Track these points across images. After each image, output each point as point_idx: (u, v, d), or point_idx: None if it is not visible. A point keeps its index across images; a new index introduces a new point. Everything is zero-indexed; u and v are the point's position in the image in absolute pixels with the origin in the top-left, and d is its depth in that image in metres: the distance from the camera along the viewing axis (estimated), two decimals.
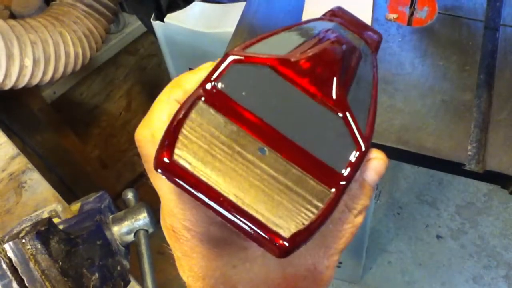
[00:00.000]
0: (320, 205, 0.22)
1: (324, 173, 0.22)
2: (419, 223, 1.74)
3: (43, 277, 0.44)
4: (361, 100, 0.25)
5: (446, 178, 1.81)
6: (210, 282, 0.28)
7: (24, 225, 0.49)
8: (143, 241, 0.55)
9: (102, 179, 1.49)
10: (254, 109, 0.22)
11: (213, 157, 0.22)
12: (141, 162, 0.28)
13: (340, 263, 1.52)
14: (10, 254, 0.43)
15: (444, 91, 0.65)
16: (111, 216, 0.56)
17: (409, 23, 0.73)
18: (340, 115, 0.22)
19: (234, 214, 0.21)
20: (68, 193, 1.35)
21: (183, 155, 0.22)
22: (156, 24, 0.93)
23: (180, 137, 0.22)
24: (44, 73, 0.92)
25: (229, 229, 0.26)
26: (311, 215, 0.21)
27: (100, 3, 1.04)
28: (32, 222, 0.48)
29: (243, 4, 0.76)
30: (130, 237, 0.55)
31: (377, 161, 0.27)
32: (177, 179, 0.21)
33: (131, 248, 0.57)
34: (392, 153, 0.62)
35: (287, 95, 0.23)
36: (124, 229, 0.55)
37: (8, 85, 0.89)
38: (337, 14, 0.31)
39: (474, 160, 0.61)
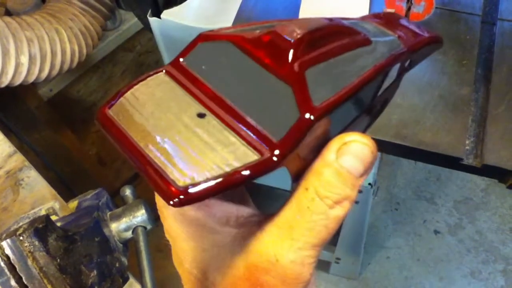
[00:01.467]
0: (236, 164, 0.20)
1: (258, 140, 0.21)
2: (417, 219, 1.74)
3: (41, 274, 0.43)
4: (337, 79, 0.24)
5: (444, 174, 1.81)
6: (185, 265, 0.28)
7: (21, 223, 0.49)
8: (141, 238, 0.54)
9: (101, 177, 1.48)
10: (206, 79, 0.23)
11: (147, 114, 0.23)
12: None
13: (339, 259, 1.52)
14: (8, 251, 0.43)
15: (442, 86, 0.65)
16: (109, 213, 0.56)
17: (406, 17, 0.73)
18: (289, 83, 0.22)
19: (139, 159, 0.21)
20: (66, 191, 1.35)
21: (118, 110, 0.23)
22: (152, 20, 0.93)
23: (122, 98, 0.23)
24: (41, 70, 0.91)
25: (203, 210, 0.27)
26: (220, 171, 0.20)
27: (96, 0, 1.04)
28: (29, 220, 0.48)
29: None
30: (128, 234, 0.55)
31: (357, 144, 0.23)
32: (103, 129, 0.23)
33: (130, 246, 0.57)
34: (390, 148, 0.62)
35: (244, 67, 0.23)
36: (122, 225, 0.54)
37: (4, 82, 0.89)
38: (382, 16, 0.31)
39: (472, 154, 0.61)
